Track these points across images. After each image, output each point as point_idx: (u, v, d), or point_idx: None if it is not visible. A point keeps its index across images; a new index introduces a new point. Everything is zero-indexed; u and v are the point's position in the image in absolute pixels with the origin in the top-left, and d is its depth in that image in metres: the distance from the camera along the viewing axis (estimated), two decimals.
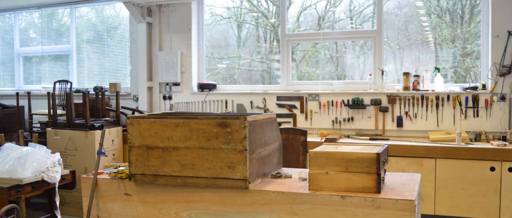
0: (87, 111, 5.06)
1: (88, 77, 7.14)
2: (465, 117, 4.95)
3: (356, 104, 5.27)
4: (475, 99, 4.91)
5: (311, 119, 5.50)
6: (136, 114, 4.66)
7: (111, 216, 3.11)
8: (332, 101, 5.40)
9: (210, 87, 6.05)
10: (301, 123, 5.53)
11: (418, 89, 5.12)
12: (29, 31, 7.68)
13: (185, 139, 2.81)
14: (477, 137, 4.76)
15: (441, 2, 5.44)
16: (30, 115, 6.21)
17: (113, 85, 6.18)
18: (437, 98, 5.01)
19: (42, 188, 4.01)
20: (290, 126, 5.46)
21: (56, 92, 6.40)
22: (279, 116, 5.56)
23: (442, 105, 5.03)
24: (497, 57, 4.87)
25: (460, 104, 4.97)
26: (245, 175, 2.69)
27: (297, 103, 5.58)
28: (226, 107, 5.83)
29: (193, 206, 2.88)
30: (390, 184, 2.76)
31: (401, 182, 2.83)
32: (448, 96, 5.00)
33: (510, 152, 4.27)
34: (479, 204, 4.34)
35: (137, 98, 6.39)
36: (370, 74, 5.41)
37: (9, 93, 7.22)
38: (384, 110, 5.20)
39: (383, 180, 2.73)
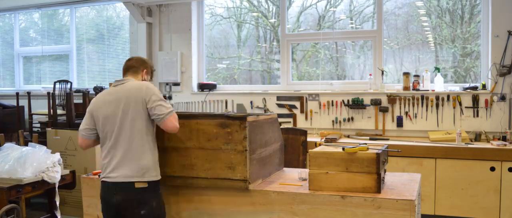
0: None
1: (88, 77, 7.14)
2: (465, 117, 4.95)
3: (356, 104, 5.27)
4: (475, 99, 4.91)
5: (311, 119, 5.50)
6: None
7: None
8: (332, 101, 5.40)
9: (210, 87, 6.05)
10: (301, 123, 5.53)
11: (418, 89, 5.12)
12: (29, 31, 7.68)
13: (185, 139, 2.81)
14: (477, 137, 4.76)
15: (441, 2, 5.44)
16: (30, 115, 6.21)
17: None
18: (437, 98, 5.01)
19: (42, 188, 4.01)
20: (290, 126, 5.46)
21: (56, 92, 6.40)
22: (279, 116, 5.53)
23: (442, 105, 5.03)
24: (497, 57, 4.87)
25: (460, 104, 4.97)
26: (245, 176, 2.69)
27: (297, 103, 5.58)
28: (226, 107, 5.83)
29: (193, 206, 2.88)
30: (390, 184, 2.76)
31: (401, 182, 2.83)
32: (448, 96, 5.00)
33: (510, 152, 4.26)
34: (479, 204, 4.34)
35: None
36: (370, 74, 5.41)
37: (9, 93, 7.22)
38: (384, 110, 5.20)
39: (383, 180, 2.74)
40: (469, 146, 4.47)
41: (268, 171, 3.03)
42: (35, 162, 3.92)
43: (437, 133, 4.87)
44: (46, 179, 3.95)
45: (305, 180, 2.87)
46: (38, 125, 6.27)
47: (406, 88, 5.17)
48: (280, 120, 5.49)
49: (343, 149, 2.60)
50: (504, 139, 4.61)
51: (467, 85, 5.07)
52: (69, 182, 4.39)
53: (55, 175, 4.02)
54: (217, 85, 6.15)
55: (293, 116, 5.58)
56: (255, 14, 6.35)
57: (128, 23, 6.66)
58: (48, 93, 5.63)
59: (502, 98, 4.83)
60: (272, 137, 3.10)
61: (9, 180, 3.78)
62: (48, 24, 7.45)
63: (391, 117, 5.19)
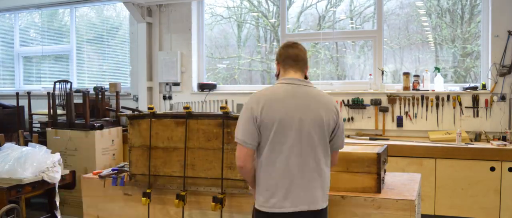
0: (87, 111, 5.06)
1: (88, 77, 7.14)
2: (465, 117, 4.95)
3: (356, 104, 5.27)
4: (475, 99, 4.90)
5: None
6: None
7: (111, 216, 3.11)
8: None
9: (210, 87, 6.04)
10: None
11: (418, 89, 5.12)
12: (29, 31, 7.68)
13: (185, 139, 2.81)
14: (477, 137, 4.75)
15: (441, 2, 5.44)
16: (30, 115, 6.21)
17: (113, 85, 6.18)
18: (437, 98, 5.01)
19: (42, 188, 4.01)
20: None
21: (56, 92, 6.39)
22: None
23: (442, 105, 5.02)
24: (497, 57, 4.87)
25: (460, 104, 4.97)
26: None
27: None
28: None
29: (193, 206, 2.88)
30: (390, 184, 2.76)
31: (401, 182, 2.83)
32: (448, 96, 5.00)
33: (510, 152, 4.26)
34: (479, 204, 4.34)
35: (137, 98, 6.39)
36: (370, 74, 5.41)
37: (9, 93, 7.22)
38: (384, 110, 5.20)
39: (383, 180, 2.74)
40: (469, 146, 4.47)
41: None
42: (35, 162, 3.92)
43: (437, 133, 4.87)
44: (46, 179, 3.95)
45: None
46: (38, 125, 6.26)
47: (406, 88, 5.17)
48: None
49: None
50: (504, 139, 4.61)
51: (467, 85, 5.07)
52: (69, 182, 4.40)
53: (55, 175, 4.02)
54: (217, 85, 6.15)
55: None
56: (255, 14, 6.35)
57: (128, 23, 6.66)
58: (48, 93, 5.63)
59: (502, 98, 4.83)
60: None
61: (9, 180, 3.78)
62: (48, 24, 7.45)
63: (391, 117, 5.19)
